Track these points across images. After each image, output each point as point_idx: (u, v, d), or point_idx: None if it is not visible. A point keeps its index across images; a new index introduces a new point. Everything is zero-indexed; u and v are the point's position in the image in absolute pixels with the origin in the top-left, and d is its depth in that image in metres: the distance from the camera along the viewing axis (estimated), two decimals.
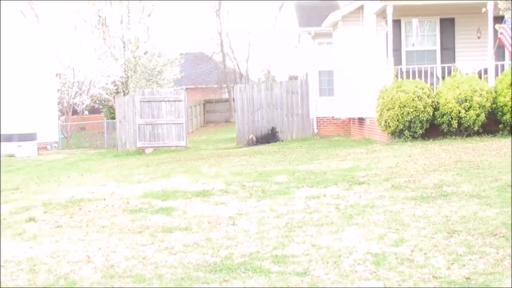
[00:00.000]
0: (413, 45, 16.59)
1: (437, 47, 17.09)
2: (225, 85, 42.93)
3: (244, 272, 4.95)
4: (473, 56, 16.40)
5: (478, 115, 13.92)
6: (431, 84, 15.22)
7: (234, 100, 23.18)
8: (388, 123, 14.39)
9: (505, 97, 14.05)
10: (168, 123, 19.63)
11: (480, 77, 15.09)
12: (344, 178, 9.11)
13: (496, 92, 14.32)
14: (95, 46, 27.17)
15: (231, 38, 45.90)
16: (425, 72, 15.58)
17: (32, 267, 5.37)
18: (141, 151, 19.45)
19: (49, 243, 6.27)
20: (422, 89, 14.14)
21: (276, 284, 4.64)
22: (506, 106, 14.01)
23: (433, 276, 4.58)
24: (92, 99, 29.46)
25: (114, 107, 25.23)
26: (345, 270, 4.85)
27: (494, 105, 14.28)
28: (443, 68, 16.07)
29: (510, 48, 14.30)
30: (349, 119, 20.67)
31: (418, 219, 6.34)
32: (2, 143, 20.21)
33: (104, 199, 8.64)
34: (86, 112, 35.15)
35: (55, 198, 9.03)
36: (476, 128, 14.09)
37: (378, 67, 16.74)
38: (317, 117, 22.12)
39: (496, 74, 15.15)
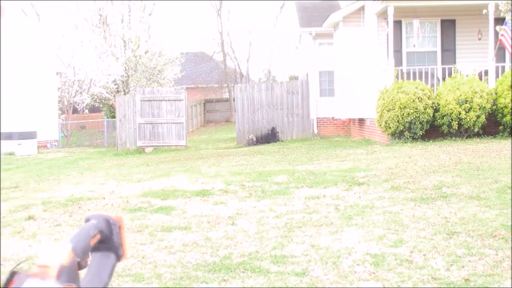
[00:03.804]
0: (414, 46, 16.60)
1: (438, 48, 17.09)
2: (226, 85, 42.91)
3: (243, 272, 4.94)
4: (474, 58, 16.41)
5: (478, 116, 13.93)
6: (432, 85, 15.23)
7: (234, 100, 23.18)
8: (388, 124, 14.39)
9: (505, 99, 14.05)
10: (168, 122, 19.63)
11: (480, 79, 15.10)
12: (344, 179, 9.11)
13: (496, 93, 14.33)
14: (96, 45, 27.17)
15: (232, 37, 45.98)
16: (426, 73, 15.59)
17: (31, 266, 5.37)
18: (141, 150, 19.45)
19: (48, 241, 6.27)
20: (423, 90, 14.14)
21: (275, 284, 4.63)
22: (506, 108, 14.01)
23: (432, 278, 4.58)
24: (92, 98, 29.47)
25: (114, 105, 25.23)
26: (344, 271, 4.85)
27: (494, 107, 14.29)
28: (443, 69, 16.08)
29: (511, 50, 14.29)
30: (349, 119, 20.67)
31: (418, 220, 6.34)
32: (2, 141, 20.22)
33: (104, 198, 8.65)
34: (86, 111, 35.18)
35: (55, 196, 9.03)
36: (476, 130, 14.09)
37: (378, 68, 16.75)
38: (317, 118, 22.14)
39: (497, 76, 15.16)
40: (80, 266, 1.11)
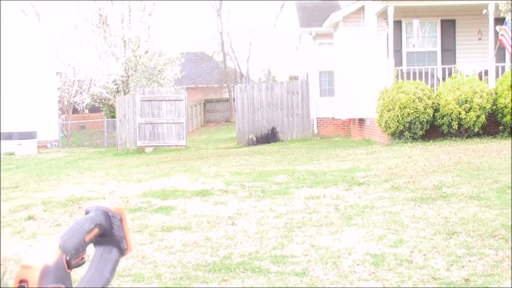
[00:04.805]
0: (414, 46, 16.60)
1: (438, 48, 17.09)
2: (226, 85, 42.91)
3: (243, 272, 4.94)
4: (474, 58, 16.41)
5: (478, 116, 13.93)
6: (432, 85, 15.23)
7: (234, 100, 23.18)
8: (388, 124, 14.39)
9: (505, 99, 14.06)
10: (168, 122, 19.63)
11: (480, 79, 15.10)
12: (344, 179, 9.11)
13: (496, 93, 14.33)
14: (96, 45, 27.18)
15: (232, 37, 46.01)
16: (426, 73, 15.59)
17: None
18: (141, 150, 19.45)
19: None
20: (423, 90, 14.14)
21: (275, 284, 4.63)
22: (506, 108, 14.01)
23: (432, 278, 4.58)
24: (92, 98, 29.48)
25: (114, 105, 25.24)
26: (344, 271, 4.85)
27: (494, 107, 14.29)
28: (443, 69, 16.08)
29: (510, 50, 14.29)
30: (349, 119, 20.67)
31: (418, 220, 6.34)
32: (2, 141, 20.22)
33: (104, 198, 8.65)
34: (86, 111, 35.17)
35: (55, 196, 9.03)
36: (476, 130, 14.09)
37: (378, 68, 16.75)
38: (317, 118, 22.15)
39: (497, 76, 15.16)
40: (70, 265, 1.03)
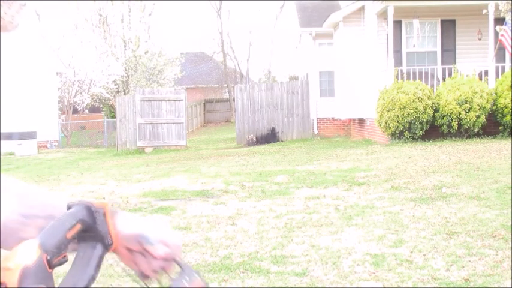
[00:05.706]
0: (414, 46, 16.59)
1: (438, 49, 17.09)
2: (226, 85, 42.90)
3: (243, 272, 4.94)
4: (474, 58, 16.41)
5: (478, 117, 13.93)
6: (432, 85, 15.23)
7: (234, 100, 23.17)
8: (388, 124, 14.39)
9: (505, 99, 14.05)
10: (168, 122, 19.62)
11: (480, 79, 15.10)
12: (344, 179, 9.11)
13: (496, 93, 14.32)
14: (96, 45, 27.19)
15: (232, 37, 46.00)
16: (426, 73, 15.59)
17: None
18: (141, 150, 19.44)
19: None
20: (423, 90, 14.14)
21: (275, 284, 4.63)
22: (506, 108, 14.01)
23: (432, 278, 4.57)
24: (92, 98, 29.48)
25: (114, 106, 25.24)
26: (344, 271, 4.85)
27: (494, 107, 14.29)
28: (443, 70, 16.08)
29: (511, 50, 14.29)
30: (350, 119, 20.67)
31: (418, 220, 6.34)
32: (2, 141, 20.21)
33: (104, 198, 8.65)
34: (86, 111, 35.15)
35: None
36: (476, 130, 14.09)
37: (378, 68, 16.75)
38: (317, 118, 22.15)
39: (497, 76, 15.16)
40: (51, 265, 0.99)
